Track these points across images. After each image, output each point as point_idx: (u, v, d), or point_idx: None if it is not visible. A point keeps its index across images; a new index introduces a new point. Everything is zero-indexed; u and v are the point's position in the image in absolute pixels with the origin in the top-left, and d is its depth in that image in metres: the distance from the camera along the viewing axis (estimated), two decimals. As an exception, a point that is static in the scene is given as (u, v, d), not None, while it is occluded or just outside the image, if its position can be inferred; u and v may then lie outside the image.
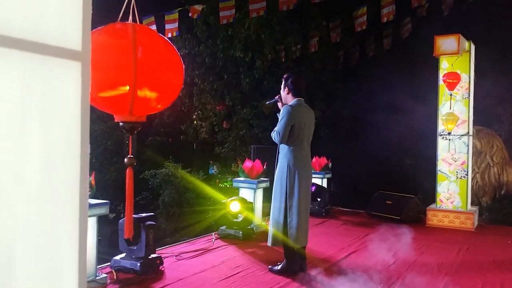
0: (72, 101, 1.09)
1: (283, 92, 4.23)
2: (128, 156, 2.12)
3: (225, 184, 11.71)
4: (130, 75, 1.84)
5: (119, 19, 2.08)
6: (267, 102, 4.80)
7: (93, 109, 1.13)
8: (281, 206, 4.05)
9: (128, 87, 1.86)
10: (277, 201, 4.10)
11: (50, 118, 1.04)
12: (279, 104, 4.31)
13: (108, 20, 2.03)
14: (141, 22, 2.17)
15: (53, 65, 1.04)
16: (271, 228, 4.12)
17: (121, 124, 2.06)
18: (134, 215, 3.31)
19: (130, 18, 2.10)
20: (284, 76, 4.27)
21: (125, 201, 2.16)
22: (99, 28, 1.95)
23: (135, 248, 4.03)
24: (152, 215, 4.38)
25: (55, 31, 1.05)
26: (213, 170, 13.16)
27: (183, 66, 2.16)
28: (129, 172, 2.13)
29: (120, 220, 4.18)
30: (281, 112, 4.11)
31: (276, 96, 4.38)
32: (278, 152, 4.18)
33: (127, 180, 2.11)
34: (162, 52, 1.96)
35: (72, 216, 1.10)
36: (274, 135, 4.10)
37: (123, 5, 2.10)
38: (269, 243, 4.15)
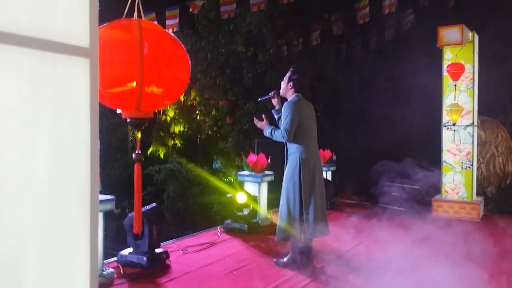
0: (81, 98, 1.09)
1: (286, 84, 4.16)
2: (136, 152, 2.12)
3: (229, 178, 11.73)
4: (136, 71, 1.85)
5: (124, 15, 2.08)
6: (260, 99, 4.67)
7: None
8: (296, 199, 3.97)
9: (135, 83, 1.86)
10: (291, 195, 4.00)
11: (59, 115, 1.04)
12: (274, 101, 4.28)
13: (113, 17, 2.03)
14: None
15: (62, 62, 1.04)
16: (282, 223, 4.01)
17: (128, 120, 2.07)
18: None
19: (135, 14, 2.10)
20: (291, 69, 4.19)
21: (133, 197, 2.17)
22: (105, 24, 1.95)
23: (140, 242, 4.04)
24: (154, 206, 4.30)
25: (63, 28, 1.04)
26: (217, 164, 13.17)
27: (189, 61, 2.16)
28: (137, 168, 2.13)
29: (129, 215, 4.18)
30: (284, 110, 4.04)
31: (271, 92, 4.32)
32: (287, 148, 4.11)
33: (135, 176, 2.12)
34: (168, 47, 1.96)
35: (83, 212, 1.11)
36: (282, 134, 3.96)
37: (127, 1, 2.10)
38: (278, 238, 4.07)
